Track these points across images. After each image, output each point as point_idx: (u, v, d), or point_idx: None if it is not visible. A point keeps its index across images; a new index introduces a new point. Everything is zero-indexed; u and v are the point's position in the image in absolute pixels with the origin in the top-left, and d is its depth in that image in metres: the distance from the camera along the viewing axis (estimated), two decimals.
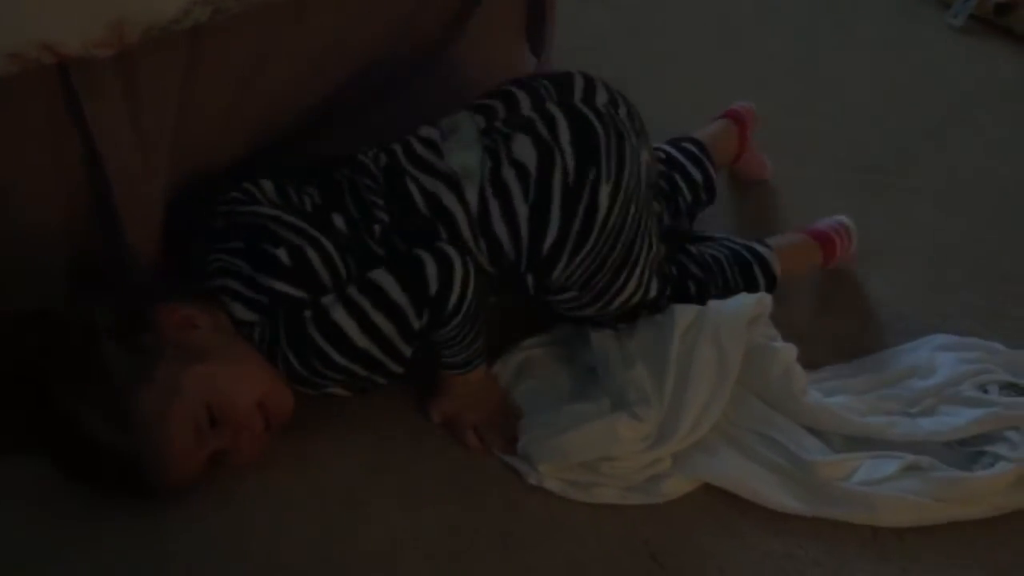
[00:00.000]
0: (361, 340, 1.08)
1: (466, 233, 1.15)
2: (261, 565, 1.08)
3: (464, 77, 1.45)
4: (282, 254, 1.10)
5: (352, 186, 1.17)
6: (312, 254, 1.10)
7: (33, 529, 1.08)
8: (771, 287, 1.34)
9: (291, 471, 1.16)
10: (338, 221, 1.14)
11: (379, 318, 1.08)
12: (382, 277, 1.09)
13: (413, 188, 1.16)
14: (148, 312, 1.08)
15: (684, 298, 1.27)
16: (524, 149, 1.15)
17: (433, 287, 1.08)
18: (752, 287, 1.32)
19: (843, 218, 1.45)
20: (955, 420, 1.21)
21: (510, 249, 1.16)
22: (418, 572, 1.08)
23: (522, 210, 1.14)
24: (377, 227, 1.14)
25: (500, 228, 1.15)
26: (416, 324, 1.09)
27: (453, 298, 1.10)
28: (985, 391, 1.25)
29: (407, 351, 1.13)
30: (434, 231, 1.15)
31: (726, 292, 1.29)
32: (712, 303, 1.24)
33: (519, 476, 1.17)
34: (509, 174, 1.14)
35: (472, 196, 1.15)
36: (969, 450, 1.21)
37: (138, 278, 1.21)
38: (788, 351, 1.24)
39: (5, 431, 1.08)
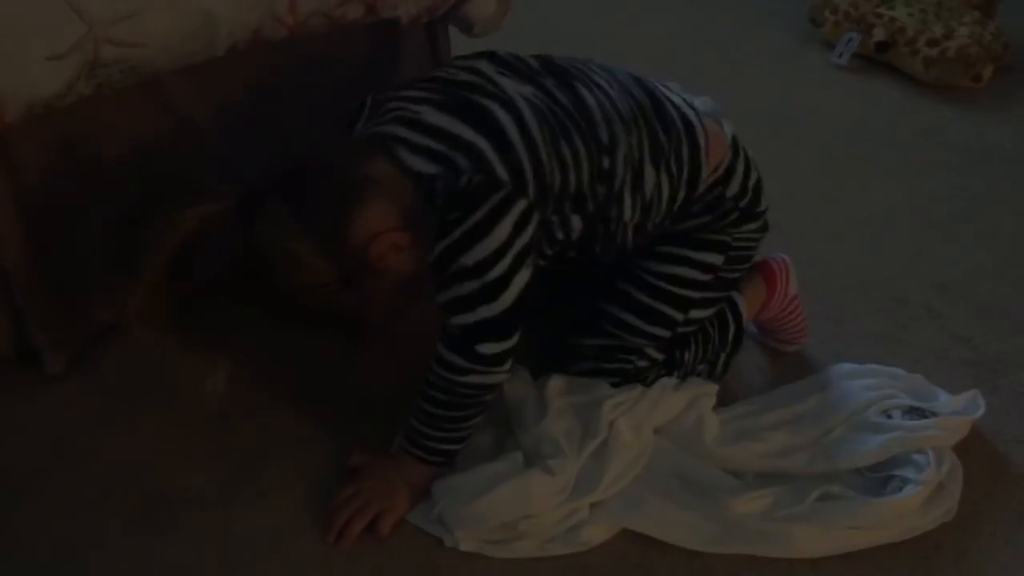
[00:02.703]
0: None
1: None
2: None
3: None
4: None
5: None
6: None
7: None
8: (739, 330, 1.36)
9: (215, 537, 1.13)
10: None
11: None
12: None
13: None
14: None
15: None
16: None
17: None
18: (724, 330, 1.35)
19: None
20: (863, 447, 1.24)
21: (735, 185, 1.24)
22: None
23: (756, 171, 1.29)
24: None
25: (740, 167, 1.25)
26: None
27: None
28: (889, 416, 1.29)
29: None
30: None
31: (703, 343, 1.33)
32: (659, 385, 1.27)
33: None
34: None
35: (728, 131, 1.26)
36: (878, 475, 1.23)
37: None
38: (705, 401, 1.27)
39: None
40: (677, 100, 1.23)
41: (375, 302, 1.15)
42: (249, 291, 1.15)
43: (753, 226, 1.28)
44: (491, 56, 1.18)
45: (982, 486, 1.24)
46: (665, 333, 1.26)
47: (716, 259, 1.25)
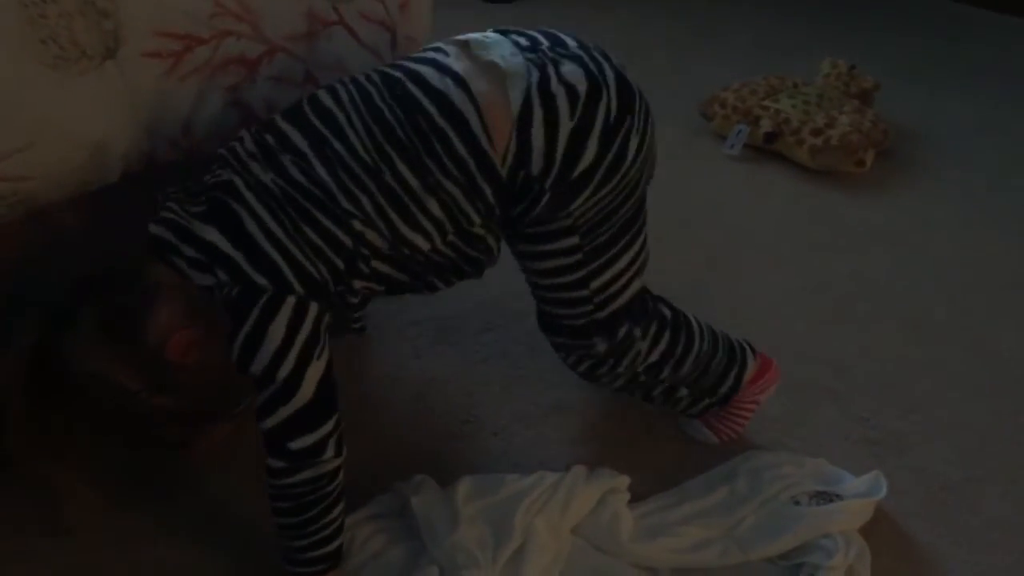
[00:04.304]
0: None
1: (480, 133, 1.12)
2: None
3: None
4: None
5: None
6: None
7: None
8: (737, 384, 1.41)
9: None
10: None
11: None
12: None
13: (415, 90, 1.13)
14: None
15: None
16: (575, 74, 1.14)
17: None
18: (729, 369, 1.39)
19: None
20: (774, 536, 1.26)
21: (539, 159, 1.13)
22: None
23: (566, 126, 1.12)
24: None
25: (538, 135, 1.12)
26: None
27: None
28: (797, 503, 1.31)
29: None
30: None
31: (700, 360, 1.35)
32: (571, 476, 1.27)
33: None
34: (559, 89, 1.13)
35: (517, 96, 1.11)
36: (789, 564, 1.25)
37: None
38: (619, 496, 1.28)
39: None
40: (438, 80, 1.13)
41: (200, 400, 1.16)
42: (74, 410, 1.12)
43: (587, 194, 1.16)
44: (256, 131, 1.17)
45: (888, 565, 1.27)
46: (589, 311, 1.24)
47: (571, 241, 1.20)
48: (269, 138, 1.14)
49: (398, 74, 1.16)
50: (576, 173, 1.14)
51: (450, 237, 1.16)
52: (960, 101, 2.76)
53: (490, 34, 1.20)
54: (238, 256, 1.08)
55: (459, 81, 1.13)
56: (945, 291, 1.89)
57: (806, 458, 1.40)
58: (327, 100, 1.16)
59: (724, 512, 1.31)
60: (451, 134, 1.11)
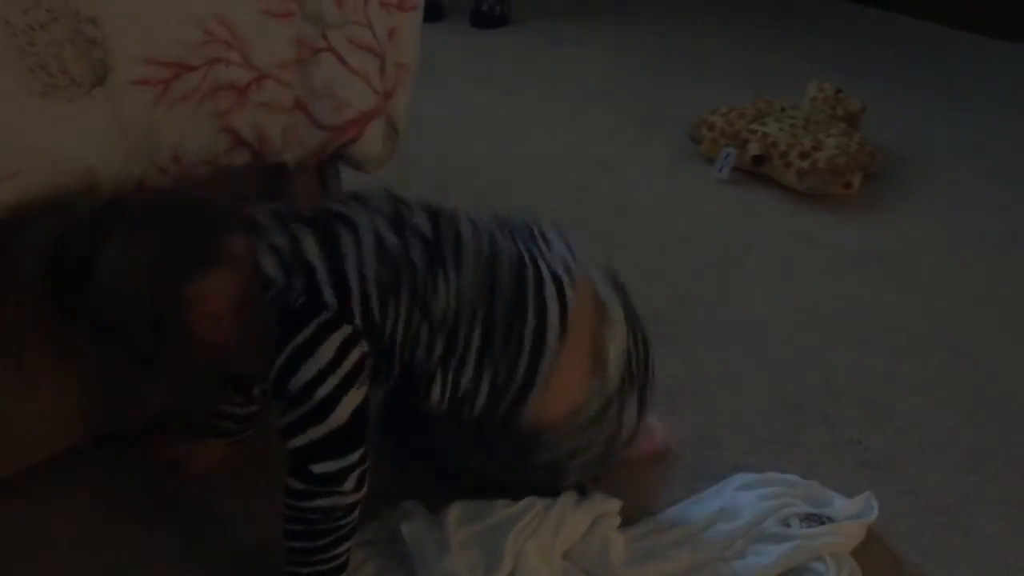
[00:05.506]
0: None
1: None
2: None
3: None
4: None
5: None
6: None
7: None
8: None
9: None
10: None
11: None
12: None
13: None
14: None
15: None
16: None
17: None
18: None
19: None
20: (764, 559, 1.25)
21: None
22: None
23: None
24: None
25: None
26: None
27: None
28: (788, 525, 1.31)
29: None
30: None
31: None
32: (562, 501, 1.26)
33: None
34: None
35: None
36: None
37: None
38: (609, 520, 1.28)
39: None
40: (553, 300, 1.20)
41: (172, 361, 1.17)
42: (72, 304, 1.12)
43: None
44: (392, 197, 1.21)
45: None
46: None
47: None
48: (404, 211, 1.19)
49: (528, 267, 1.20)
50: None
51: (446, 403, 1.19)
52: (945, 122, 2.79)
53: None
54: (320, 266, 1.09)
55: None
56: (934, 311, 1.90)
57: (796, 479, 1.40)
58: (466, 231, 1.20)
59: (715, 536, 1.30)
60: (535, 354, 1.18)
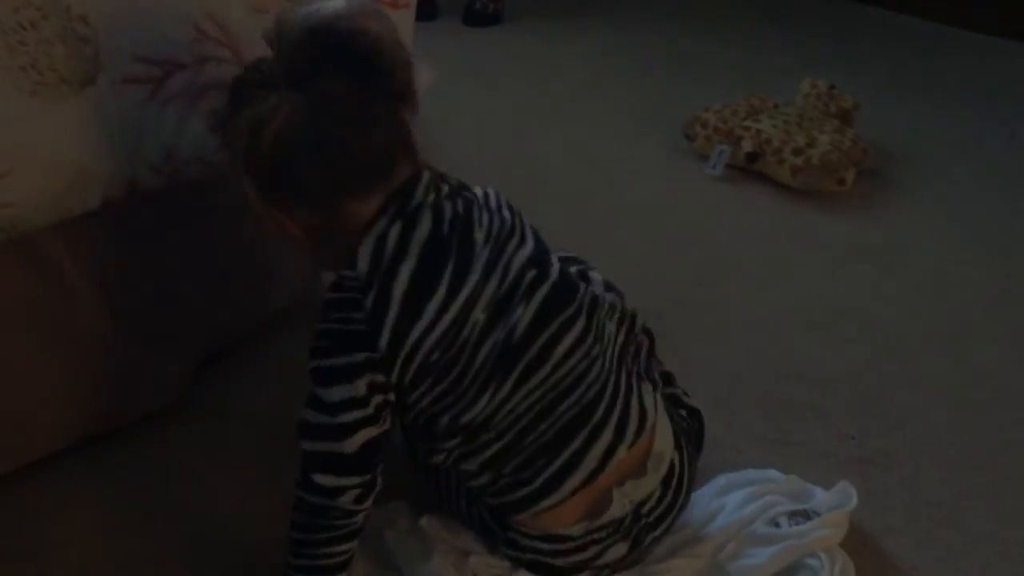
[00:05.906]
0: None
1: None
2: None
3: None
4: None
5: None
6: None
7: None
8: None
9: None
10: None
11: None
12: None
13: None
14: None
15: None
16: None
17: None
18: None
19: None
20: (757, 560, 1.24)
21: None
22: None
23: None
24: None
25: None
26: None
27: None
28: (777, 525, 1.30)
29: None
30: None
31: None
32: None
33: None
34: None
35: None
36: None
37: None
38: None
39: None
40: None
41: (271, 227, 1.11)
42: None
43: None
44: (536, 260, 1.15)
45: None
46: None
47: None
48: (515, 294, 1.11)
49: (596, 357, 1.15)
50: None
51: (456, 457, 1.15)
52: (938, 119, 2.79)
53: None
54: (395, 310, 1.05)
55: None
56: (927, 307, 1.90)
57: (775, 474, 1.39)
58: (568, 341, 1.13)
59: (705, 541, 1.29)
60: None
